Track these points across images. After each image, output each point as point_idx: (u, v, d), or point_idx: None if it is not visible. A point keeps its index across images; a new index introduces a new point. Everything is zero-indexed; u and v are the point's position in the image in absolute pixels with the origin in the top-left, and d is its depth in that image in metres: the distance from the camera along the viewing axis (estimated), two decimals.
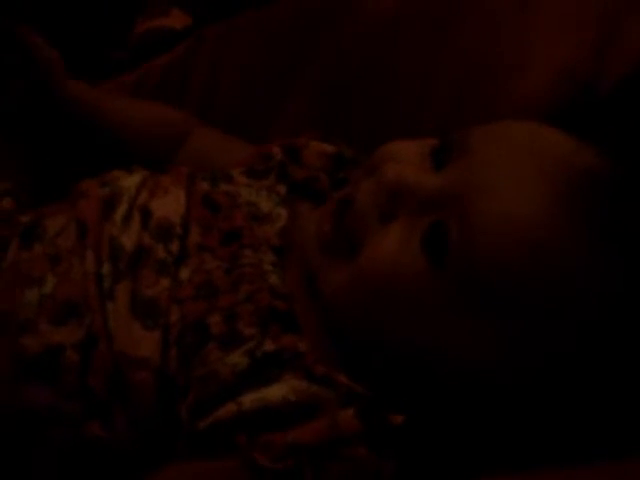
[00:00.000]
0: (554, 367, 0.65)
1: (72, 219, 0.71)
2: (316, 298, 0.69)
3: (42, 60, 0.86)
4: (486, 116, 0.77)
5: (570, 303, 0.64)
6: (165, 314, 0.66)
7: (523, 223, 0.63)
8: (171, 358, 0.65)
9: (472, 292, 0.64)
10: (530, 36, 0.85)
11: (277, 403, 0.62)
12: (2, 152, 0.89)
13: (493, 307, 0.64)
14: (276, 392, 0.62)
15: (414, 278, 0.65)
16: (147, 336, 0.65)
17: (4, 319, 0.67)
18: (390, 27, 0.94)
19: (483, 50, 0.87)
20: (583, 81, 0.81)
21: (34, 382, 0.65)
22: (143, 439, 0.65)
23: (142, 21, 1.15)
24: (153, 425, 0.65)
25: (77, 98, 0.87)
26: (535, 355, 0.65)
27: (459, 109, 0.86)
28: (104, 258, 0.68)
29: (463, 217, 0.64)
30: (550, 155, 0.67)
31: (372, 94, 0.94)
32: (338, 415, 0.62)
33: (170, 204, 0.72)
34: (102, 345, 0.65)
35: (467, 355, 0.65)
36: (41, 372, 0.65)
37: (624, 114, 0.77)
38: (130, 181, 0.74)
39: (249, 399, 0.62)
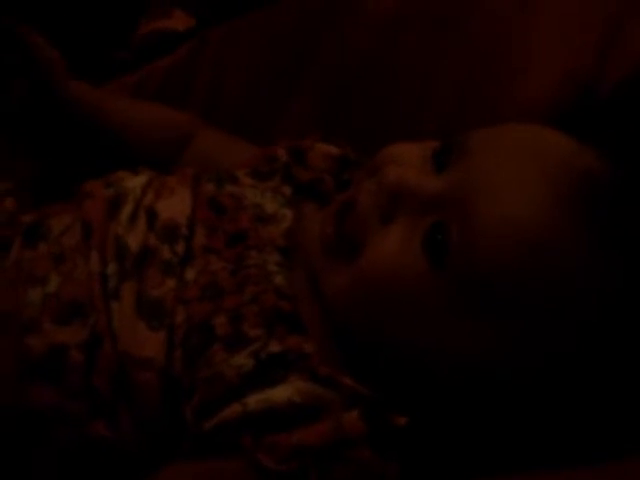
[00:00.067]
0: (554, 367, 0.65)
1: (77, 219, 0.71)
2: (321, 299, 0.69)
3: (43, 60, 0.86)
4: (489, 118, 0.77)
5: (570, 303, 0.64)
6: (170, 315, 0.66)
7: (523, 224, 0.63)
8: (176, 359, 0.65)
9: (472, 293, 0.64)
10: (532, 38, 0.85)
11: (282, 404, 0.62)
12: (4, 152, 0.89)
13: (493, 308, 0.64)
14: (281, 393, 0.62)
15: (415, 279, 0.66)
16: (152, 336, 0.65)
17: (7, 319, 0.67)
18: (390, 27, 0.94)
19: (485, 51, 0.87)
20: (585, 84, 0.81)
21: (39, 382, 0.65)
22: (148, 439, 0.65)
23: (145, 22, 1.15)
24: (158, 425, 0.65)
25: (79, 99, 0.87)
26: (535, 355, 0.65)
27: (462, 110, 0.87)
28: (109, 258, 0.69)
29: (463, 218, 0.64)
30: (551, 157, 0.67)
31: (372, 94, 0.94)
32: (343, 417, 0.62)
33: (176, 205, 0.72)
34: (107, 345, 0.65)
35: (467, 356, 0.65)
36: (45, 372, 0.65)
37: (625, 117, 0.77)
38: (135, 182, 0.75)
39: (254, 400, 0.62)
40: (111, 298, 0.67)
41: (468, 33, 0.89)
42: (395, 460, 0.63)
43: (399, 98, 0.92)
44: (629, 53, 0.80)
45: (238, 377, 0.63)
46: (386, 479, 0.63)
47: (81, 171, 0.82)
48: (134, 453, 0.65)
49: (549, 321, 0.64)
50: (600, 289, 0.65)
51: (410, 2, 0.94)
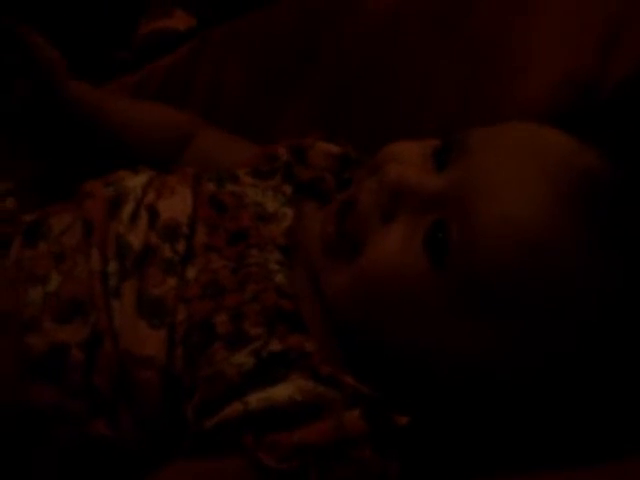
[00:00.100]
0: (554, 367, 0.65)
1: (78, 218, 0.71)
2: (322, 298, 0.69)
3: (43, 60, 0.86)
4: (489, 118, 0.77)
5: (570, 303, 0.64)
6: (171, 313, 0.66)
7: (523, 224, 0.63)
8: (177, 357, 0.65)
9: (472, 293, 0.64)
10: (532, 38, 0.85)
11: (283, 403, 0.62)
12: (5, 152, 0.89)
13: (493, 307, 0.64)
14: (282, 392, 0.62)
15: (415, 278, 0.66)
16: (153, 335, 0.65)
17: (8, 318, 0.67)
18: (390, 27, 0.95)
19: (485, 51, 0.87)
20: (585, 84, 0.81)
21: (39, 381, 0.65)
22: (148, 438, 0.65)
23: (145, 22, 1.15)
24: (158, 424, 0.65)
25: (79, 99, 0.88)
26: (535, 355, 0.65)
27: (462, 110, 0.87)
28: (110, 256, 0.69)
29: (463, 217, 0.64)
30: (551, 155, 0.67)
31: (372, 94, 0.94)
32: (344, 416, 0.62)
33: (177, 204, 0.72)
34: (107, 344, 0.65)
35: (467, 355, 0.65)
36: (46, 371, 0.65)
37: (625, 117, 0.77)
38: (136, 181, 0.74)
39: (255, 399, 0.62)
40: (112, 297, 0.67)
41: (468, 33, 0.89)
42: (396, 459, 0.63)
43: (399, 98, 0.92)
44: (629, 53, 0.80)
45: (239, 375, 0.62)
46: (387, 478, 0.63)
47: (81, 171, 0.81)
48: (134, 452, 0.65)
49: (549, 321, 0.64)
50: (600, 289, 0.64)
51: (410, 2, 0.95)
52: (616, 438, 0.65)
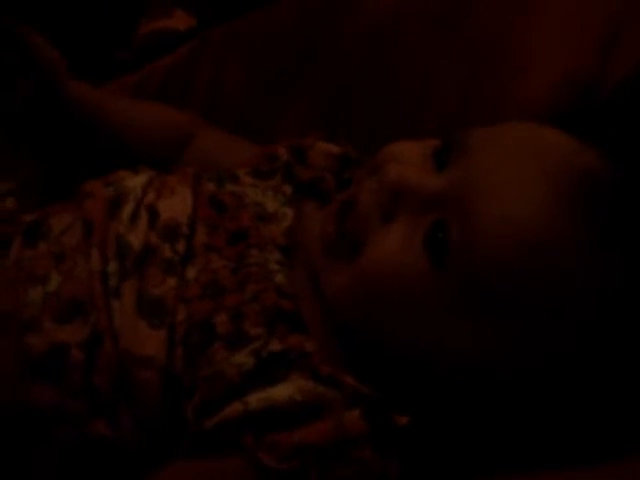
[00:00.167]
0: (554, 367, 0.65)
1: (78, 218, 0.71)
2: (322, 298, 0.69)
3: (43, 60, 0.86)
4: (489, 118, 0.77)
5: (570, 303, 0.64)
6: (171, 313, 0.66)
7: (523, 224, 0.63)
8: (177, 357, 0.65)
9: (472, 293, 0.64)
10: (532, 38, 0.85)
11: (283, 403, 0.62)
12: (6, 152, 0.89)
13: (493, 307, 0.64)
14: (282, 392, 0.62)
15: (416, 278, 0.66)
16: (153, 335, 0.65)
17: (8, 318, 0.67)
18: (390, 27, 0.95)
19: (485, 51, 0.87)
20: (585, 84, 0.81)
21: (39, 381, 0.65)
22: (148, 438, 0.65)
23: (145, 22, 1.15)
24: (158, 424, 0.65)
25: (79, 99, 0.88)
26: (535, 355, 0.65)
27: (462, 110, 0.87)
28: (110, 256, 0.69)
29: (463, 217, 0.64)
30: (551, 155, 0.67)
31: (372, 94, 0.94)
32: (344, 416, 0.62)
33: (177, 204, 0.72)
34: (107, 344, 0.65)
35: (467, 355, 0.65)
36: (46, 371, 0.65)
37: (625, 117, 0.77)
38: (136, 181, 0.74)
39: (255, 399, 0.62)
40: (112, 296, 0.67)
41: (468, 33, 0.89)
42: (396, 459, 0.63)
43: (399, 98, 0.92)
44: (629, 53, 0.80)
45: (239, 375, 0.62)
46: (387, 478, 0.63)
47: (81, 171, 0.81)
48: (134, 452, 0.65)
49: (549, 321, 0.64)
50: (600, 289, 0.64)
51: (410, 2, 0.95)
52: (616, 438, 0.65)
